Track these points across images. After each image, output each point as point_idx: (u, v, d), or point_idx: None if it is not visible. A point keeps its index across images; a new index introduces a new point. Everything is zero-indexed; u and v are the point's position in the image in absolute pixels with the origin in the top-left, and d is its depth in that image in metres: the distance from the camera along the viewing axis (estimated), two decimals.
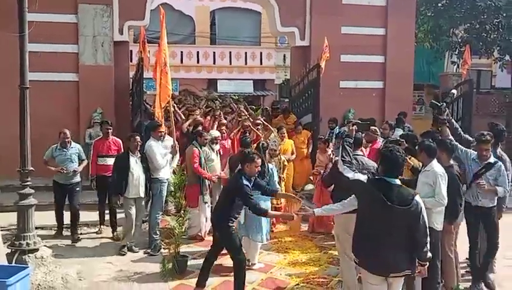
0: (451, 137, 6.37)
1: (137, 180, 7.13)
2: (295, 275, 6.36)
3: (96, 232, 8.12)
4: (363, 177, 4.02)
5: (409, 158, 6.11)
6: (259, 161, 5.51)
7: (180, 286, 5.98)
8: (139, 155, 7.25)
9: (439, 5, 16.90)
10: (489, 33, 16.50)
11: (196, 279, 5.75)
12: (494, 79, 21.55)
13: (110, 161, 7.69)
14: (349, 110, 12.38)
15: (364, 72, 12.58)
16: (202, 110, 11.25)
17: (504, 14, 15.67)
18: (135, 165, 7.14)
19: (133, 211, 7.17)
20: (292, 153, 9.56)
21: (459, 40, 17.22)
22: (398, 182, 3.91)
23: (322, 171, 8.01)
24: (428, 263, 4.09)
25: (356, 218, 4.05)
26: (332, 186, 5.75)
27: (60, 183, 7.76)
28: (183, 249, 6.80)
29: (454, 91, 8.27)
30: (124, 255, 7.05)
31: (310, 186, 9.17)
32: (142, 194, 7.24)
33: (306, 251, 7.38)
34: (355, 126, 5.10)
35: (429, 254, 3.99)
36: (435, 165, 5.23)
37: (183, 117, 10.03)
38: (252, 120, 10.19)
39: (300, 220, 7.66)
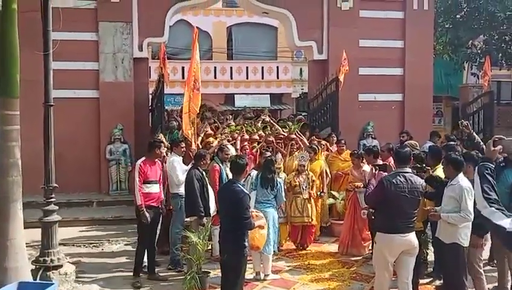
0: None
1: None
2: None
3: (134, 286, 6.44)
4: None
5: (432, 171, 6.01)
6: None
7: None
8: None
9: (458, 16, 16.81)
10: (509, 44, 16.31)
11: None
12: None
13: (156, 188, 6.68)
14: (368, 123, 12.31)
15: (383, 84, 12.53)
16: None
17: None
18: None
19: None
20: (327, 175, 8.77)
21: (479, 52, 17.04)
22: None
23: (355, 188, 7.83)
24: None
25: None
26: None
27: None
28: (205, 264, 6.75)
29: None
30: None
31: (331, 201, 8.98)
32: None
33: (329, 266, 7.28)
34: (499, 146, 3.39)
35: None
36: (461, 179, 5.09)
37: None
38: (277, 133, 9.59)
39: None
